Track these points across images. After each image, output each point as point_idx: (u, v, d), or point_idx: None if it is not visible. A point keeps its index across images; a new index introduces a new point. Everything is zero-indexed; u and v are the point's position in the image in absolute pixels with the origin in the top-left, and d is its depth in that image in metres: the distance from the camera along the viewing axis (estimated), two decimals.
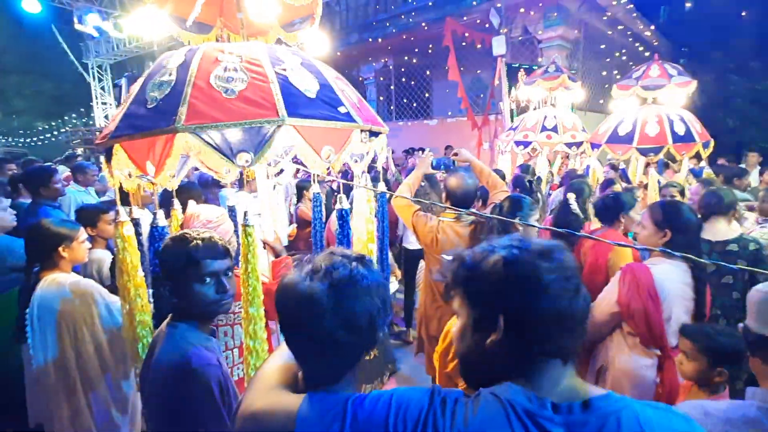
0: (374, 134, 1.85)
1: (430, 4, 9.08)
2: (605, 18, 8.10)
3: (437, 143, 8.52)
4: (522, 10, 7.56)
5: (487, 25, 7.49)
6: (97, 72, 13.72)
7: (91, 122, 15.97)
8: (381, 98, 11.64)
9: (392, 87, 11.30)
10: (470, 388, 0.74)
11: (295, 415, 0.73)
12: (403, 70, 10.88)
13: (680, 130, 4.19)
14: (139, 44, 12.13)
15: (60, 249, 1.99)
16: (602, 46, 8.72)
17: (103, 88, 13.73)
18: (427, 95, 10.65)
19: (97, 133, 10.77)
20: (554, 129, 5.32)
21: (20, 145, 18.62)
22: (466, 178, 2.05)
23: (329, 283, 0.76)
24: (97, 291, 2.00)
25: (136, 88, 1.59)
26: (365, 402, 0.71)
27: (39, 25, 14.68)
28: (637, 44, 9.61)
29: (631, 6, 8.26)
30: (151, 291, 1.74)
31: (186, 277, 1.23)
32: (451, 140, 8.66)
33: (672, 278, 1.69)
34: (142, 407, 1.69)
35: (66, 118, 19.26)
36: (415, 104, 10.85)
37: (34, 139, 19.06)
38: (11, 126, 20.34)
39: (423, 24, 8.49)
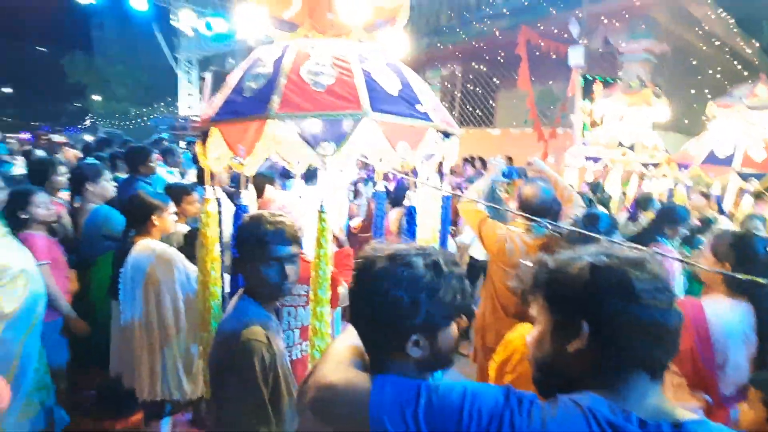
0: (446, 136, 1.87)
1: (505, 11, 8.91)
2: (699, 32, 7.45)
3: (499, 153, 8.32)
4: (604, 20, 7.18)
5: (565, 35, 7.20)
6: (186, 65, 15.01)
7: (175, 111, 17.61)
8: (444, 104, 11.58)
9: (457, 93, 11.22)
10: (543, 396, 0.73)
11: (368, 394, 0.75)
12: (470, 77, 10.76)
13: None
14: (226, 42, 13.11)
15: (153, 218, 2.22)
16: (693, 62, 8.02)
17: (189, 81, 14.99)
18: (492, 104, 10.45)
19: (181, 120, 11.79)
20: (631, 147, 4.98)
21: (116, 126, 21.00)
22: (543, 188, 1.99)
23: (382, 261, 0.79)
24: (179, 259, 2.20)
25: (234, 78, 1.73)
26: (439, 389, 0.72)
27: (140, 21, 16.40)
28: (735, 62, 8.72)
29: (732, 21, 7.51)
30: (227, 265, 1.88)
31: (253, 257, 1.30)
32: (513, 151, 8.39)
33: (730, 319, 1.50)
34: None
35: (155, 105, 21.42)
36: (479, 112, 10.68)
37: (127, 123, 21.39)
38: (111, 110, 23.02)
39: (496, 31, 8.35)
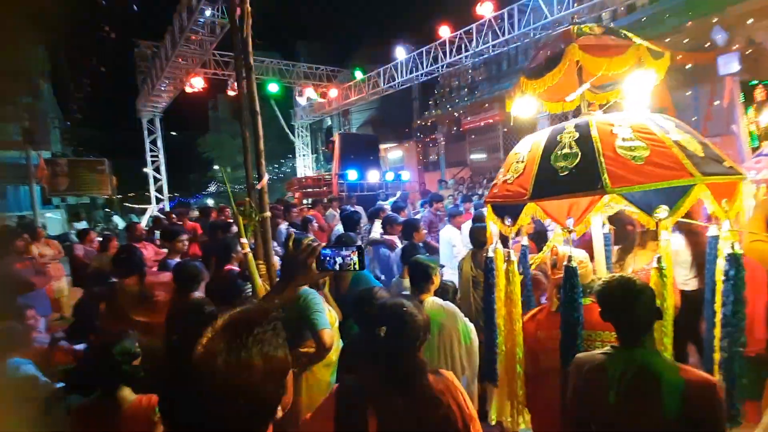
0: None
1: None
2: None
3: None
4: (751, 20, 6.68)
5: (707, 44, 6.82)
6: (301, 132, 17.06)
7: (288, 171, 20.05)
8: None
9: None
10: None
11: None
12: None
13: None
14: (328, 109, 14.70)
15: (433, 277, 2.64)
16: None
17: (305, 144, 16.95)
18: None
19: (302, 180, 13.27)
20: None
21: (239, 189, 24.54)
22: None
23: None
24: (460, 312, 2.56)
25: (533, 160, 2.05)
26: None
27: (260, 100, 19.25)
28: None
29: None
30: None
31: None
32: None
33: None
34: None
35: (271, 168, 24.66)
36: None
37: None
38: (233, 176, 27.06)
39: None
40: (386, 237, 4.64)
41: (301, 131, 17.25)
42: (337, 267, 1.42)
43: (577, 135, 1.98)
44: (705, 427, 1.40)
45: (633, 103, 2.43)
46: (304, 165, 17.09)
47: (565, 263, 1.93)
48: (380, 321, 1.40)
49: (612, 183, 1.75)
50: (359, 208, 8.18)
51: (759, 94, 5.99)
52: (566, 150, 1.97)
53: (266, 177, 2.44)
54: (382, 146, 17.17)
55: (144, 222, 12.89)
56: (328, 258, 1.42)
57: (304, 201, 11.16)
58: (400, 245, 4.17)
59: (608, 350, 1.64)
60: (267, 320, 0.82)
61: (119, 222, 14.28)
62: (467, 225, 5.03)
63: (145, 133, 13.75)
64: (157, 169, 14.08)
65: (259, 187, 2.41)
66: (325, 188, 11.53)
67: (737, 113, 6.13)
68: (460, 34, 9.11)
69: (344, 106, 14.42)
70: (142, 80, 12.37)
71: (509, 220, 2.14)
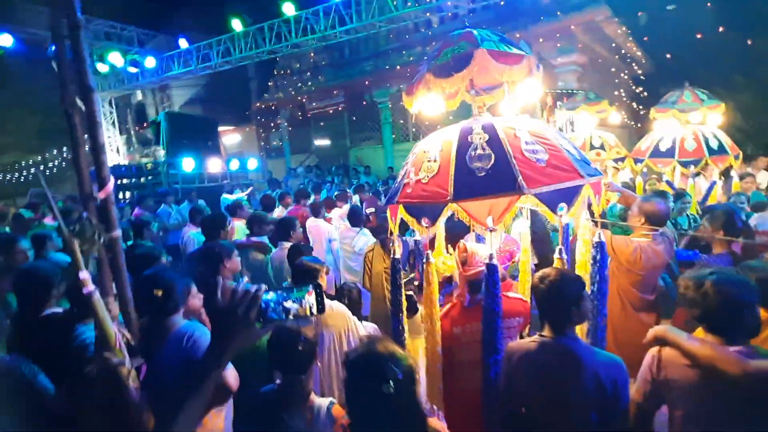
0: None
1: None
2: (613, 45, 9.13)
3: None
4: (541, 40, 8.43)
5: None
6: (105, 107, 13.64)
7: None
8: None
9: None
10: None
11: None
12: None
13: (714, 145, 5.02)
14: (142, 81, 12.13)
15: (319, 280, 2.46)
16: (612, 70, 9.75)
17: (113, 123, 13.62)
18: None
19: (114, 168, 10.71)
20: (601, 147, 6.05)
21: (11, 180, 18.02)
22: (659, 202, 2.60)
23: None
24: (348, 312, 2.52)
25: (448, 160, 2.03)
26: None
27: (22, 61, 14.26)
28: (633, 65, 10.75)
29: (629, 32, 9.33)
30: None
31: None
32: None
33: None
34: None
35: (55, 152, 18.80)
36: None
37: (18, 176, 18.46)
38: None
39: None
40: (254, 239, 4.07)
41: (104, 106, 13.81)
42: (286, 316, 1.07)
43: (487, 137, 2.04)
44: (616, 397, 1.64)
45: (510, 108, 2.67)
46: (110, 148, 13.80)
47: (486, 261, 1.99)
48: (374, 376, 1.13)
49: (528, 185, 1.86)
50: (201, 203, 7.11)
51: (548, 100, 7.62)
52: (479, 151, 2.00)
53: (111, 182, 1.69)
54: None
55: None
56: (272, 305, 1.06)
57: (120, 195, 9.02)
58: (275, 248, 3.73)
59: (536, 338, 1.76)
60: None
61: None
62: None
63: None
64: None
65: (101, 196, 1.66)
66: (144, 179, 9.45)
67: (537, 115, 7.71)
68: (306, 14, 8.67)
69: (166, 80, 12.12)
70: None
71: (427, 220, 2.08)
